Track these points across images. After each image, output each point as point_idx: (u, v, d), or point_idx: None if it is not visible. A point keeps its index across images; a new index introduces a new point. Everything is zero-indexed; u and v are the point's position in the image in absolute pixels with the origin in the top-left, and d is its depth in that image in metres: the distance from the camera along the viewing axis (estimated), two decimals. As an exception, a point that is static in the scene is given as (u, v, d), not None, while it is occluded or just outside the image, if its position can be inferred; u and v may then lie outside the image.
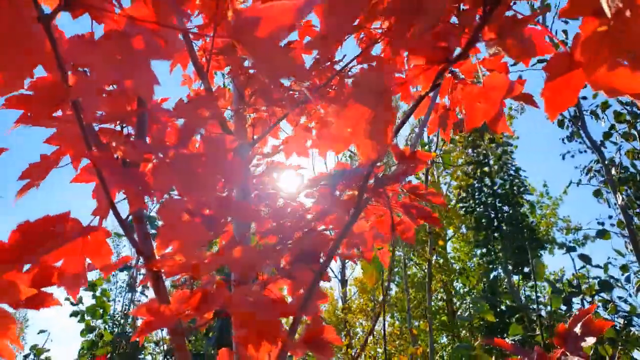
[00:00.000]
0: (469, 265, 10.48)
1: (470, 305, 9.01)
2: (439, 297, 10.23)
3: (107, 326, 9.92)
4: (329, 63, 1.35)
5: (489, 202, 9.98)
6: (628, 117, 5.58)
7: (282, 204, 1.39)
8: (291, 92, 1.44)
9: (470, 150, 10.62)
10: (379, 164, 0.96)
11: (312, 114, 1.71)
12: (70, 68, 0.52)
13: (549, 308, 5.86)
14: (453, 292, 10.24)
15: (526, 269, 8.79)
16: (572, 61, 0.57)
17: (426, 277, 8.32)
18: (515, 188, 9.96)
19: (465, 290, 10.09)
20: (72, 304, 8.64)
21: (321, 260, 0.94)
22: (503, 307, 8.12)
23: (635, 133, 5.70)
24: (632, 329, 4.24)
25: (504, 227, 9.51)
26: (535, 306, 6.65)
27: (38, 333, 8.88)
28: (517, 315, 6.99)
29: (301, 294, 0.95)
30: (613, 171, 5.53)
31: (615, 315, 4.47)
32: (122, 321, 10.43)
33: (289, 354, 0.84)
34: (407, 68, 1.13)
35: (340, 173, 0.99)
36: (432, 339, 6.79)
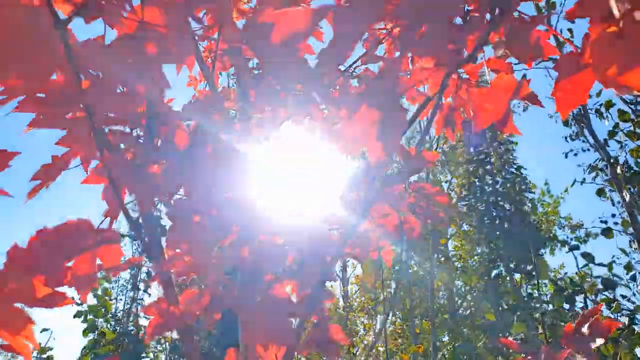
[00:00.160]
0: (470, 263, 10.48)
1: (472, 304, 9.01)
2: (440, 295, 10.23)
3: (109, 325, 9.96)
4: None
5: (491, 200, 9.97)
6: (632, 116, 5.57)
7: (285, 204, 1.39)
8: (295, 93, 1.44)
9: (472, 148, 10.61)
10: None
11: (316, 114, 1.71)
12: (83, 71, 0.53)
13: (551, 306, 5.87)
14: (454, 291, 10.24)
15: (528, 267, 8.79)
16: (582, 61, 0.57)
17: (427, 275, 8.33)
18: (517, 186, 9.95)
19: (467, 288, 10.10)
20: (76, 304, 8.67)
21: (328, 260, 0.94)
22: (505, 306, 8.12)
23: (640, 132, 5.70)
24: (636, 327, 4.25)
25: (506, 225, 9.51)
26: (537, 304, 6.66)
27: (41, 332, 8.91)
28: (519, 314, 6.99)
29: (306, 293, 0.96)
30: (618, 170, 5.52)
31: (619, 314, 4.47)
32: (124, 320, 10.47)
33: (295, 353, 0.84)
34: (411, 68, 1.13)
35: (348, 173, 0.99)
36: (435, 337, 6.80)
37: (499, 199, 10.03)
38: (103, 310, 9.67)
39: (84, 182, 0.78)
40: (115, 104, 0.60)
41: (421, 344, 7.30)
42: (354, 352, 9.15)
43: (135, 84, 0.51)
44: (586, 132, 6.27)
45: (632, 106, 5.60)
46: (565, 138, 6.79)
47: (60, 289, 0.58)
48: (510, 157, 10.43)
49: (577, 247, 5.77)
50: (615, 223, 5.93)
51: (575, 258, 5.14)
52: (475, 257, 10.38)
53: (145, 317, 11.10)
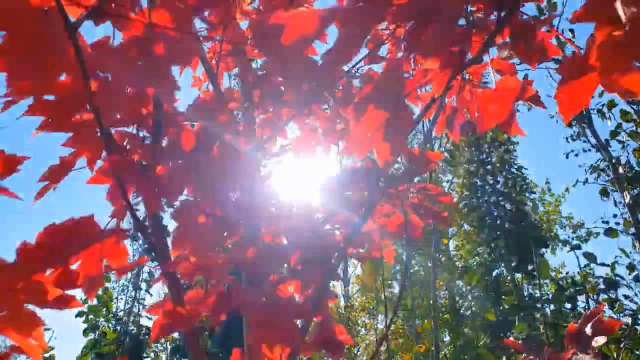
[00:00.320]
0: (471, 263, 10.47)
1: (473, 304, 9.01)
2: (441, 295, 10.23)
3: (109, 325, 9.97)
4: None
5: (492, 200, 9.97)
6: (635, 116, 5.57)
7: (289, 204, 1.40)
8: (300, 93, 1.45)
9: (473, 149, 10.61)
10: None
11: (318, 114, 1.72)
12: (92, 73, 0.53)
13: (552, 306, 5.86)
14: (455, 290, 10.24)
15: (529, 267, 8.78)
16: (586, 64, 0.58)
17: (428, 275, 8.33)
18: (517, 186, 9.95)
19: (468, 288, 10.09)
20: (83, 304, 8.69)
21: (332, 261, 0.94)
22: (506, 306, 8.12)
23: (642, 132, 5.69)
24: (638, 328, 4.24)
25: (507, 225, 9.50)
26: (539, 304, 6.65)
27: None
28: (520, 314, 6.99)
29: (310, 294, 0.96)
30: (620, 170, 5.52)
31: (621, 315, 4.47)
32: (125, 319, 10.48)
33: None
34: (413, 68, 1.14)
35: (350, 173, 0.99)
36: (436, 337, 6.80)
37: (500, 198, 10.03)
38: (104, 310, 9.68)
39: (89, 182, 0.79)
40: (123, 105, 0.61)
41: (423, 344, 7.29)
42: (355, 351, 9.15)
43: (144, 86, 0.51)
44: (588, 132, 6.27)
45: (635, 106, 5.60)
46: (567, 138, 6.78)
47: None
48: (511, 157, 10.43)
49: (578, 247, 5.77)
50: (617, 223, 5.92)
51: (577, 258, 5.14)
52: (476, 257, 10.38)
53: (147, 317, 11.11)
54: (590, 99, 0.61)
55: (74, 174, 0.82)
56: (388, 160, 0.57)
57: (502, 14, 0.54)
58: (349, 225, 1.08)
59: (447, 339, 10.13)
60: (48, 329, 8.87)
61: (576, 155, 7.03)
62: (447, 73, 0.65)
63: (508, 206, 9.84)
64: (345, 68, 1.59)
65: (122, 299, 11.27)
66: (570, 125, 6.39)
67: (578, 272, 5.37)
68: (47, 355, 8.47)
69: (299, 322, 0.83)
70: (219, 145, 0.73)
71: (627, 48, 0.48)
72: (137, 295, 11.01)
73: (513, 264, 8.99)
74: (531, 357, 0.95)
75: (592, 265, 5.26)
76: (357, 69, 1.51)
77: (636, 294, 4.98)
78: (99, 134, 0.60)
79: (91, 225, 0.48)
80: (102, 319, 9.77)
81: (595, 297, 4.77)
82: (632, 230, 5.40)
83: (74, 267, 0.65)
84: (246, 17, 1.45)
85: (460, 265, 10.41)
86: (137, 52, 0.51)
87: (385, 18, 0.46)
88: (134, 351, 9.57)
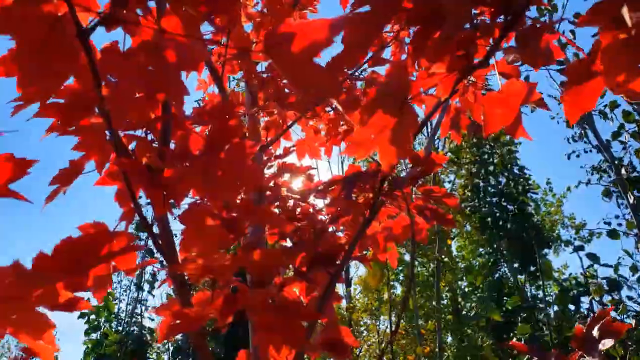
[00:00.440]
0: (474, 264, 10.44)
1: (476, 305, 8.99)
2: (444, 296, 10.20)
3: (111, 325, 9.99)
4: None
5: (494, 201, 9.95)
6: (637, 117, 5.55)
7: (293, 205, 1.41)
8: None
9: (474, 149, 10.59)
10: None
11: (322, 115, 1.73)
12: (103, 78, 0.54)
13: (555, 307, 5.85)
14: (458, 291, 10.21)
15: (532, 268, 8.75)
16: (591, 67, 0.58)
17: (431, 276, 8.32)
18: (519, 187, 9.93)
19: (470, 289, 10.06)
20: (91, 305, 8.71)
21: (337, 262, 0.95)
22: (509, 307, 8.09)
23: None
24: (640, 328, 4.23)
25: (509, 226, 9.48)
26: (542, 305, 6.64)
27: (46, 332, 8.93)
28: (524, 315, 6.97)
29: (316, 295, 0.96)
30: (622, 171, 5.50)
31: (625, 316, 4.46)
32: (127, 320, 10.50)
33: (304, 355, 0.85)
34: (417, 70, 1.14)
35: (356, 175, 1.00)
36: (440, 338, 6.79)
37: (502, 199, 10.01)
38: (106, 311, 9.70)
39: (97, 183, 0.80)
40: (132, 109, 0.61)
41: (427, 345, 7.27)
42: (357, 353, 9.13)
43: (154, 91, 0.52)
44: (590, 133, 6.26)
45: (637, 107, 5.58)
46: (568, 139, 6.77)
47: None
48: (513, 158, 10.41)
49: (582, 248, 5.75)
50: (619, 224, 5.90)
51: (580, 259, 5.13)
52: (479, 258, 10.35)
53: (150, 318, 11.12)
54: (596, 102, 0.62)
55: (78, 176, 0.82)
56: (393, 163, 0.57)
57: (509, 18, 0.54)
58: (354, 227, 1.09)
59: (449, 340, 10.11)
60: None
61: (577, 156, 7.02)
62: (454, 77, 0.66)
63: (510, 207, 9.82)
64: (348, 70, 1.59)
65: (124, 299, 11.30)
66: (571, 125, 6.38)
67: (581, 273, 5.35)
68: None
69: (304, 323, 0.83)
70: (228, 148, 0.73)
71: (632, 51, 0.48)
72: (140, 296, 11.03)
73: (515, 265, 8.97)
74: (536, 359, 0.95)
75: (595, 266, 5.25)
76: (361, 72, 1.52)
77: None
78: (108, 138, 0.60)
79: (105, 240, 0.49)
80: (103, 320, 9.78)
81: (599, 298, 4.76)
82: (635, 231, 5.38)
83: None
84: (250, 20, 1.46)
85: (462, 266, 10.39)
86: (146, 57, 0.52)
87: (393, 23, 0.47)
88: (136, 352, 9.59)
